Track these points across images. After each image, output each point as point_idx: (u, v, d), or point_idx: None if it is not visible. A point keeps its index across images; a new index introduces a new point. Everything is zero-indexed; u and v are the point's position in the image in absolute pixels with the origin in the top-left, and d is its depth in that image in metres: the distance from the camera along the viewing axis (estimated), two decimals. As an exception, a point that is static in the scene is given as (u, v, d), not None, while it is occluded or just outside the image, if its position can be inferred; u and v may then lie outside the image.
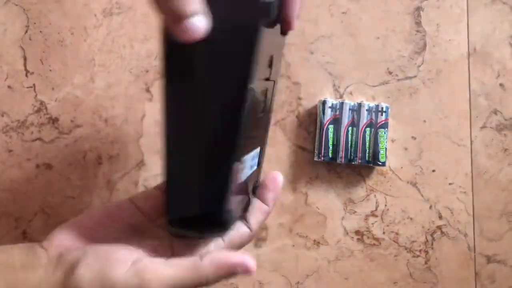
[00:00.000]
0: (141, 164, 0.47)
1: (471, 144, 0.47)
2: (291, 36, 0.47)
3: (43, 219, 0.47)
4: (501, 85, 0.47)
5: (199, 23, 0.22)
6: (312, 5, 0.47)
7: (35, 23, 0.47)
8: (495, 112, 0.47)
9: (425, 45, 0.47)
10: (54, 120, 0.47)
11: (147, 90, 0.47)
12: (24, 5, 0.47)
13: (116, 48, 0.47)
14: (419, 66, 0.47)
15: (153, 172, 0.47)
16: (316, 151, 0.46)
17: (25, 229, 0.47)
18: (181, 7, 0.21)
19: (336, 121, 0.45)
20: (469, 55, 0.47)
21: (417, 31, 0.47)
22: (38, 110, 0.47)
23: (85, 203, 0.47)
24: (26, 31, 0.47)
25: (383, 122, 0.45)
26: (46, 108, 0.47)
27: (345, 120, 0.45)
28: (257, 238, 0.48)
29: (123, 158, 0.47)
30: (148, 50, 0.47)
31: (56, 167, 0.47)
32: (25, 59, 0.47)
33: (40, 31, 0.47)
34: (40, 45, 0.47)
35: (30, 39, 0.47)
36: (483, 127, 0.47)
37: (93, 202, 0.47)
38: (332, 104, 0.45)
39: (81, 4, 0.47)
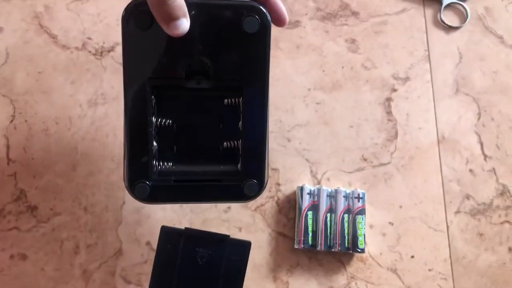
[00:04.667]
0: (118, 253, 0.46)
1: (447, 229, 0.48)
2: (269, 125, 0.49)
3: (12, 314, 0.45)
4: (470, 170, 0.49)
5: (183, 25, 0.29)
6: (288, 96, 0.49)
7: (21, 113, 0.48)
8: (468, 197, 0.48)
9: (396, 133, 0.49)
10: (33, 209, 0.47)
11: (128, 178, 0.48)
12: (12, 96, 0.48)
13: (99, 137, 0.48)
14: (392, 153, 0.49)
15: (130, 261, 0.46)
16: (296, 238, 0.46)
17: (-8, 325, 0.45)
18: (172, 12, 0.29)
19: (315, 207, 0.46)
20: (438, 142, 0.49)
21: (389, 120, 0.50)
22: (18, 199, 0.47)
23: (58, 295, 0.46)
24: (12, 121, 0.48)
25: (360, 208, 0.46)
26: (25, 196, 0.47)
27: (323, 206, 0.46)
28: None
29: (101, 246, 0.47)
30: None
31: (31, 257, 0.46)
32: (8, 147, 0.48)
33: (26, 121, 0.48)
34: (24, 134, 0.48)
35: (14, 128, 0.48)
36: (458, 212, 0.48)
37: (67, 294, 0.46)
38: (310, 190, 0.46)
39: (67, 95, 0.49)
